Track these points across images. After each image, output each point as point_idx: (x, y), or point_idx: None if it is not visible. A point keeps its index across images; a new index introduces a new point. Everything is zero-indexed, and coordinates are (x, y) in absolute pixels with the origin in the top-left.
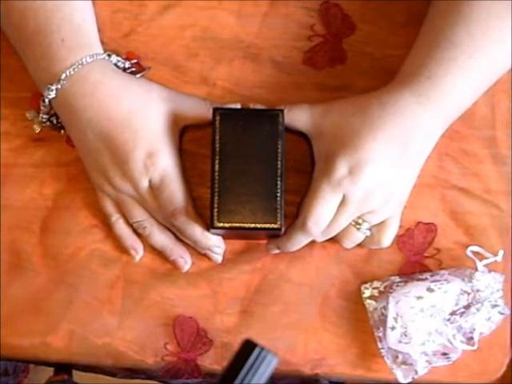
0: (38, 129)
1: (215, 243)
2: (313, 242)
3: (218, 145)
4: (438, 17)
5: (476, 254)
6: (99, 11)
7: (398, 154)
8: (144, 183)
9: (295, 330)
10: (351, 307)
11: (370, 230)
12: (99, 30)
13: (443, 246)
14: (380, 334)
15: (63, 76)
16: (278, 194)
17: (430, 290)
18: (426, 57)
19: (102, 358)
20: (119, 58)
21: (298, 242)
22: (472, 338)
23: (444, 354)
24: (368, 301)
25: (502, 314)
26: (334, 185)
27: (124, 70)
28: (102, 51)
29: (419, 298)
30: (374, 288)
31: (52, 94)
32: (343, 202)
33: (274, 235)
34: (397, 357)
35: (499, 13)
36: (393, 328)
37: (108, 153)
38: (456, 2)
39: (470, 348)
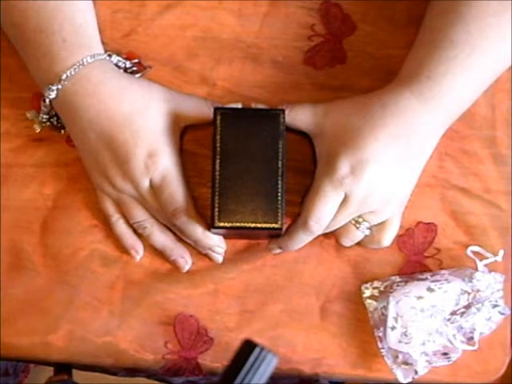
0: (38, 129)
1: (216, 243)
2: (313, 242)
3: (218, 144)
4: (437, 16)
5: (476, 253)
6: (99, 11)
7: (399, 154)
8: (145, 183)
9: (295, 329)
10: (351, 307)
11: (369, 229)
12: (99, 29)
13: (443, 246)
14: (380, 334)
15: (64, 76)
16: (279, 194)
17: (430, 289)
18: (425, 56)
19: (102, 358)
20: (120, 58)
21: (300, 240)
22: (472, 338)
23: (444, 353)
24: (368, 301)
25: (502, 313)
26: (335, 184)
27: (125, 69)
28: (102, 51)
29: (419, 297)
30: (374, 288)
31: (53, 94)
32: (344, 201)
33: (274, 235)
34: (397, 357)
35: (497, 10)
36: (393, 328)
37: (109, 153)
38: (454, 2)
39: (470, 348)
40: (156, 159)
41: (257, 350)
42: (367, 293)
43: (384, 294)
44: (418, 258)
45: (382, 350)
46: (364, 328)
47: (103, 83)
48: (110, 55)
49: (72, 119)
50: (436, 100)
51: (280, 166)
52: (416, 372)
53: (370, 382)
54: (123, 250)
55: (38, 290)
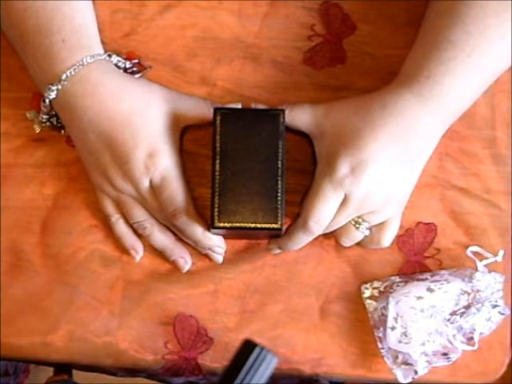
0: (38, 129)
1: (216, 243)
2: (313, 243)
3: (218, 145)
4: (437, 17)
5: (476, 254)
6: (99, 11)
7: (399, 155)
8: (145, 183)
9: (295, 329)
10: (351, 307)
11: (369, 229)
12: (99, 30)
13: (443, 246)
14: (380, 334)
15: (64, 76)
16: (279, 194)
17: (430, 290)
18: (425, 57)
19: (102, 358)
20: (119, 58)
21: (300, 241)
22: (472, 338)
23: (444, 354)
24: (368, 301)
25: (502, 314)
26: (335, 184)
27: (125, 70)
28: (102, 51)
29: (419, 298)
30: (374, 288)
31: (52, 95)
32: (344, 202)
33: (274, 235)
34: (397, 357)
35: (497, 11)
36: (393, 328)
37: (108, 153)
38: (454, 2)
39: (470, 348)
40: (156, 159)
41: (257, 350)
42: (367, 293)
43: (384, 295)
44: (417, 258)
45: (381, 350)
46: (364, 328)
47: (103, 83)
48: (109, 55)
49: (72, 119)
50: (436, 100)
51: (280, 165)
52: (416, 372)
53: (370, 382)
54: (123, 250)
55: (38, 290)
